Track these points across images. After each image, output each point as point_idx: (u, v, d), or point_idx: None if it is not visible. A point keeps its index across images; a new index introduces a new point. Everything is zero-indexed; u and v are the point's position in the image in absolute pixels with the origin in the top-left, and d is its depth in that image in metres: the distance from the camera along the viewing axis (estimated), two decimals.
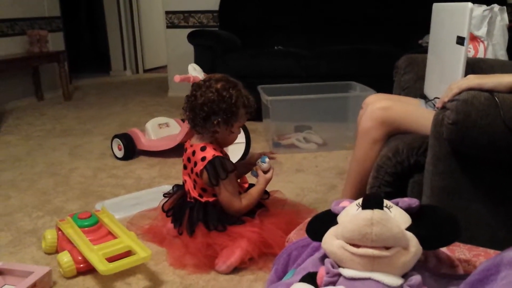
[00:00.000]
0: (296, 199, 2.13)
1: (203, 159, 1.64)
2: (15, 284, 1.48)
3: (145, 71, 6.73)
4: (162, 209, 1.80)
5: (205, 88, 1.65)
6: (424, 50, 1.92)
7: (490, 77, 1.18)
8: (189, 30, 3.88)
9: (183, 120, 2.87)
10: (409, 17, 3.91)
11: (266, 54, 3.68)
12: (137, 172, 2.60)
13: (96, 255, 1.50)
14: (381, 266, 0.77)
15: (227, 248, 1.58)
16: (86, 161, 2.80)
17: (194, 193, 1.71)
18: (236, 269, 1.58)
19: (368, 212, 0.76)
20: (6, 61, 4.03)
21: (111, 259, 1.50)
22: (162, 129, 2.89)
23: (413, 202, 0.85)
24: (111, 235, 1.67)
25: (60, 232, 1.71)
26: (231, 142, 1.79)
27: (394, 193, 1.45)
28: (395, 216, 0.80)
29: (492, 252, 0.96)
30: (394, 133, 1.56)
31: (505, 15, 2.23)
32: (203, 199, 1.70)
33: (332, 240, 0.81)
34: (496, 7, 2.21)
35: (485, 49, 2.26)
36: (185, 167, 1.75)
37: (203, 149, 1.67)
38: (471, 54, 2.27)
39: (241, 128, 2.61)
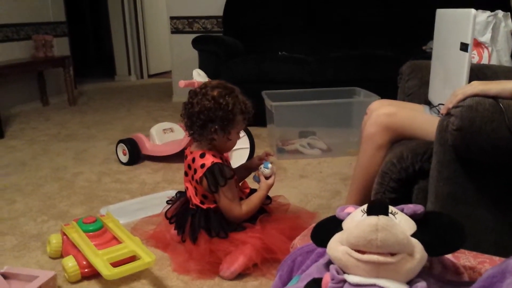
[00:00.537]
0: (300, 205, 2.13)
1: (203, 166, 1.64)
2: None
3: (150, 76, 6.76)
4: (165, 216, 1.80)
5: (201, 96, 1.64)
6: (428, 56, 1.93)
7: (495, 83, 1.18)
8: (193, 36, 3.90)
9: None
10: (413, 23, 3.91)
11: (270, 59, 3.69)
12: (141, 177, 2.61)
13: (100, 259, 1.50)
14: (386, 272, 0.77)
15: (230, 254, 1.59)
16: (91, 165, 2.81)
17: (196, 200, 1.72)
18: (240, 275, 1.58)
19: (373, 218, 0.76)
20: (11, 66, 4.05)
21: (115, 264, 1.50)
22: (166, 134, 2.90)
23: (418, 208, 0.85)
24: (115, 240, 1.68)
25: (65, 236, 1.71)
26: (229, 148, 1.79)
27: (399, 199, 1.45)
28: (400, 222, 0.80)
29: (497, 259, 0.96)
30: (398, 139, 1.56)
31: (509, 21, 2.23)
32: (205, 206, 1.70)
33: (337, 246, 0.81)
34: (500, 13, 2.21)
35: (489, 55, 2.26)
36: (186, 174, 1.75)
37: (202, 156, 1.67)
38: (475, 60, 2.27)
39: (245, 134, 2.64)
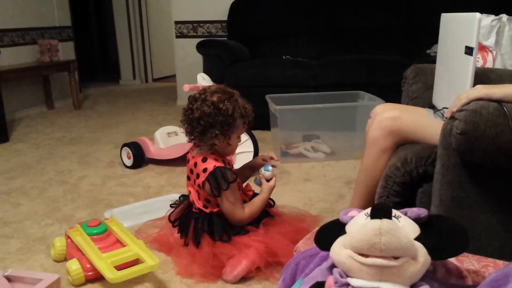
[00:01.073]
0: (304, 208, 2.12)
1: (205, 170, 1.65)
2: None
3: (154, 80, 6.78)
4: (168, 220, 1.80)
5: (200, 101, 1.64)
6: (432, 60, 1.92)
7: (499, 87, 1.18)
8: (197, 40, 3.91)
9: None
10: (417, 26, 3.91)
11: (275, 63, 3.70)
12: (145, 180, 2.61)
13: (104, 263, 1.50)
14: (390, 276, 0.77)
15: (234, 258, 1.59)
16: (95, 169, 2.82)
17: (199, 204, 1.72)
18: (243, 279, 1.58)
19: (376, 222, 0.76)
20: (17, 70, 4.08)
21: (119, 267, 1.50)
22: (170, 138, 2.91)
23: (422, 212, 0.85)
24: (119, 243, 1.68)
25: (69, 239, 1.72)
26: (230, 152, 1.79)
27: (403, 203, 1.45)
28: (403, 226, 0.80)
29: (501, 263, 0.95)
30: (402, 142, 1.56)
31: None
32: (208, 210, 1.70)
33: (340, 250, 0.81)
34: (504, 17, 2.21)
35: (494, 59, 2.26)
36: (188, 178, 1.76)
37: (204, 160, 1.67)
38: (479, 64, 2.26)
39: (249, 137, 2.64)
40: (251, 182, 1.89)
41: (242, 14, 4.28)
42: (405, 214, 0.85)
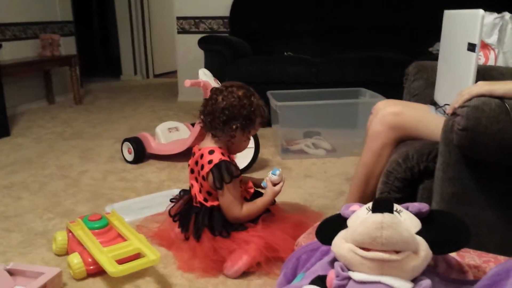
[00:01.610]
0: (305, 204, 2.13)
1: (210, 162, 1.66)
2: (26, 285, 1.49)
3: (155, 76, 6.78)
4: (169, 214, 1.81)
5: (227, 93, 1.68)
6: (434, 57, 1.92)
7: (501, 84, 1.18)
8: (199, 36, 3.91)
9: (192, 125, 2.89)
10: (419, 24, 3.91)
11: (276, 60, 3.70)
12: (146, 175, 2.62)
13: (106, 257, 1.51)
14: (391, 270, 0.77)
15: (234, 253, 1.59)
16: (96, 164, 2.83)
17: (200, 197, 1.73)
18: (244, 274, 1.58)
19: (378, 216, 0.76)
20: (18, 65, 4.08)
21: (120, 261, 1.50)
22: (171, 133, 2.91)
23: (423, 207, 0.85)
24: (120, 237, 1.68)
25: (70, 233, 1.72)
26: (242, 149, 1.81)
27: (404, 199, 1.45)
28: (405, 220, 0.81)
29: (502, 258, 0.96)
30: (404, 138, 1.56)
31: None
32: (208, 204, 1.71)
33: (341, 244, 0.82)
34: (507, 15, 2.21)
35: (496, 57, 2.26)
36: (192, 171, 1.76)
37: (211, 152, 1.68)
38: (481, 61, 2.26)
39: None
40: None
41: (244, 10, 4.28)
42: (407, 208, 0.85)
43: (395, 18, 4.00)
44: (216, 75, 2.69)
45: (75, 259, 1.57)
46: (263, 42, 4.13)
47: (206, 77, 2.56)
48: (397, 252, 0.77)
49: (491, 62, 2.27)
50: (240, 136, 1.71)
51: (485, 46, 2.23)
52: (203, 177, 1.68)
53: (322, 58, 3.67)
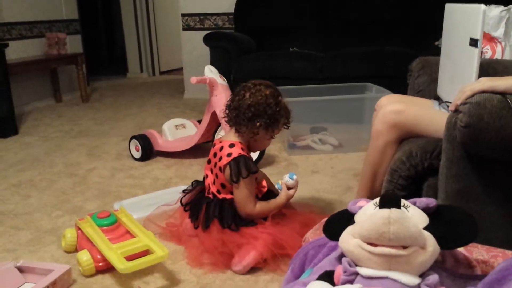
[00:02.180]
0: (312, 200, 2.13)
1: (229, 155, 1.68)
2: (36, 281, 1.50)
3: (161, 73, 6.79)
4: (180, 203, 1.83)
5: (254, 91, 1.70)
6: (440, 51, 1.90)
7: (503, 79, 1.18)
8: (204, 32, 3.91)
9: (199, 122, 2.90)
10: (425, 18, 3.88)
11: (282, 55, 3.69)
12: (154, 172, 2.63)
13: (114, 254, 1.52)
14: (399, 265, 0.77)
15: (242, 248, 1.60)
16: (104, 161, 2.84)
17: (213, 188, 1.75)
18: (252, 270, 1.59)
19: (385, 211, 0.76)
20: (25, 63, 4.10)
21: (129, 258, 1.52)
22: (178, 130, 2.92)
23: (430, 202, 0.85)
24: (129, 234, 1.70)
25: (79, 231, 1.74)
26: (264, 147, 1.86)
27: (409, 197, 1.44)
28: (412, 215, 0.81)
29: (510, 253, 0.96)
30: (407, 136, 1.56)
31: None
32: (221, 196, 1.73)
33: (349, 239, 0.82)
34: None
35: (503, 50, 2.24)
36: (209, 162, 1.79)
37: (231, 146, 1.70)
38: (488, 55, 2.25)
39: None
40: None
41: (249, 6, 4.27)
42: (414, 204, 0.85)
43: (400, 12, 3.97)
44: (222, 71, 2.69)
45: (84, 256, 1.58)
46: (268, 38, 4.12)
47: (212, 74, 2.57)
48: (404, 247, 0.77)
49: (498, 56, 2.25)
50: (263, 134, 1.73)
51: (491, 39, 2.21)
52: (220, 168, 1.70)
53: (327, 53, 3.66)
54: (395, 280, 0.77)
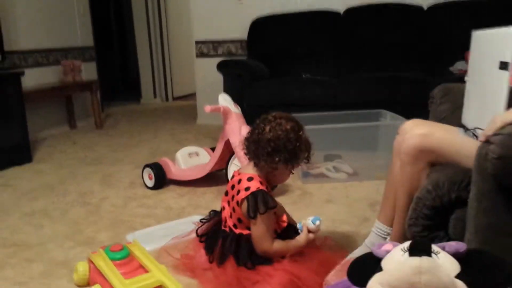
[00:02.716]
0: (327, 231, 2.08)
1: (247, 189, 1.63)
2: None
3: (175, 99, 6.83)
4: (196, 234, 1.79)
5: (275, 124, 1.65)
6: (455, 77, 1.88)
7: None
8: (218, 59, 3.93)
9: (212, 149, 2.88)
10: (439, 44, 3.87)
11: (294, 82, 3.68)
12: (167, 201, 2.60)
13: None
14: None
15: (258, 285, 1.55)
16: (117, 190, 2.82)
17: (230, 222, 1.70)
18: None
19: (416, 260, 0.72)
20: (40, 91, 4.14)
21: None
22: (192, 158, 2.90)
23: (461, 246, 0.81)
24: (142, 268, 1.66)
25: (92, 264, 1.70)
26: (282, 181, 1.79)
27: (434, 227, 1.40)
28: (443, 263, 0.77)
29: None
30: (435, 161, 1.51)
31: None
32: (237, 230, 1.68)
33: None
34: None
35: None
36: (226, 194, 1.75)
37: (250, 179, 1.66)
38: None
39: None
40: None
41: (261, 33, 4.30)
42: (443, 248, 0.81)
43: (414, 37, 3.96)
44: (235, 98, 2.68)
45: None
46: (280, 64, 4.13)
47: (226, 102, 2.56)
48: None
49: None
50: (283, 169, 1.67)
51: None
52: (237, 202, 1.65)
53: (340, 79, 3.65)
54: None
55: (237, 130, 2.51)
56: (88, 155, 3.73)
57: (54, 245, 2.08)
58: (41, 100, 4.27)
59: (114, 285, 1.53)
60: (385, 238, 1.68)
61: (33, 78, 4.31)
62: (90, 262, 1.71)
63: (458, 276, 0.76)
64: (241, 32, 4.45)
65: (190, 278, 1.72)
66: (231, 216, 1.70)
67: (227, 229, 1.71)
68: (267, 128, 1.65)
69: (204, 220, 1.86)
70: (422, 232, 1.40)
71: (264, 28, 4.29)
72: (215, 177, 2.84)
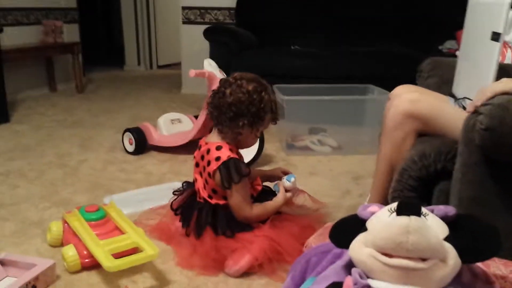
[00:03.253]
0: (310, 203, 2.05)
1: (218, 159, 1.56)
2: (17, 276, 1.43)
3: (159, 67, 6.69)
4: (170, 207, 1.74)
5: (235, 87, 1.57)
6: (444, 56, 1.85)
7: None
8: (204, 27, 3.82)
9: (196, 117, 2.81)
10: (430, 22, 3.82)
11: (283, 53, 3.62)
12: (147, 167, 2.54)
13: (102, 250, 1.44)
14: (416, 279, 0.70)
15: (237, 251, 1.52)
16: (96, 153, 2.76)
17: (204, 194, 1.64)
18: (245, 274, 1.51)
19: (404, 219, 0.69)
20: (20, 50, 4.00)
21: (117, 255, 1.44)
22: (174, 125, 2.84)
23: (449, 210, 0.78)
24: (118, 230, 1.61)
25: (66, 224, 1.65)
26: (250, 145, 1.72)
27: (418, 199, 1.38)
28: (432, 225, 0.73)
29: None
30: (423, 129, 1.47)
31: None
32: (213, 201, 1.63)
33: (361, 248, 0.74)
34: None
35: None
36: (197, 165, 1.68)
37: (218, 148, 1.59)
38: None
39: None
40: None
41: (251, 1, 4.19)
42: (432, 211, 0.78)
43: (405, 15, 3.91)
44: (222, 66, 2.61)
45: (70, 251, 1.50)
46: (269, 34, 4.04)
47: (211, 67, 2.49)
48: (423, 259, 0.69)
49: (507, 61, 2.18)
50: (248, 133, 1.61)
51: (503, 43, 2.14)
52: (208, 174, 1.59)
53: (330, 52, 3.58)
54: None
55: None
56: (68, 118, 3.63)
57: (28, 205, 2.02)
58: (21, 59, 4.13)
59: (88, 246, 1.48)
60: None
61: (12, 37, 4.15)
62: (64, 222, 1.66)
63: (446, 239, 0.73)
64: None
65: (165, 245, 1.68)
66: (204, 188, 1.64)
67: (202, 201, 1.65)
68: (228, 91, 1.57)
69: (177, 193, 1.79)
70: None
71: None
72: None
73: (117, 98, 4.47)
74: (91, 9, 6.96)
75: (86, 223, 1.58)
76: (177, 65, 5.77)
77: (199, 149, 1.68)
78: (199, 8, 4.57)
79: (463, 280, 0.81)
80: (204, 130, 2.66)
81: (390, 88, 2.82)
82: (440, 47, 3.65)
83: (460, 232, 0.76)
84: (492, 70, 1.29)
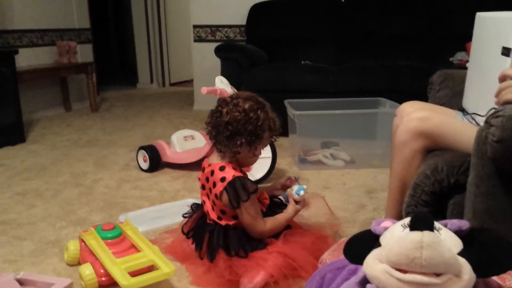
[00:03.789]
0: (323, 217, 2.05)
1: (223, 179, 1.56)
2: None
3: (172, 84, 6.77)
4: (182, 231, 1.73)
5: (232, 106, 1.57)
6: (455, 68, 1.85)
7: None
8: (215, 44, 3.87)
9: None
10: (440, 34, 3.83)
11: (293, 68, 3.64)
12: (161, 184, 2.57)
13: (118, 268, 1.45)
14: None
15: (251, 269, 1.51)
16: (111, 172, 2.79)
17: (213, 215, 1.64)
18: None
19: (417, 234, 0.69)
20: (34, 71, 4.08)
21: (133, 273, 1.45)
22: (187, 142, 2.87)
23: (463, 224, 0.78)
24: (134, 248, 1.63)
25: (83, 243, 1.67)
26: (251, 164, 1.72)
27: (432, 214, 1.37)
28: (445, 239, 0.74)
29: None
30: (432, 146, 1.48)
31: None
32: (223, 222, 1.62)
33: (375, 264, 0.75)
34: None
35: None
36: (203, 187, 1.68)
37: (222, 169, 1.59)
38: None
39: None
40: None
41: (261, 18, 4.24)
42: (445, 226, 0.78)
43: (415, 26, 3.91)
44: (233, 83, 2.64)
45: (87, 270, 1.52)
46: (279, 50, 4.08)
47: (222, 84, 2.51)
48: (437, 275, 0.70)
49: None
50: (246, 152, 1.60)
51: None
52: (215, 195, 1.59)
53: (340, 67, 3.61)
54: None
55: None
56: (82, 137, 3.68)
57: (45, 225, 2.05)
58: (36, 80, 4.21)
59: (105, 264, 1.50)
60: None
61: (27, 58, 4.25)
62: (81, 240, 1.68)
63: (460, 254, 0.73)
64: (240, 17, 4.40)
65: (180, 264, 1.67)
66: (213, 209, 1.64)
67: (212, 222, 1.65)
68: (224, 110, 1.57)
69: (186, 215, 1.79)
70: None
71: (264, 13, 4.24)
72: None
73: (130, 116, 4.52)
74: (104, 29, 7.09)
75: (103, 242, 1.60)
76: (189, 82, 5.84)
77: (203, 171, 1.68)
78: (210, 26, 4.63)
79: None
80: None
81: (400, 101, 2.85)
82: (451, 59, 3.64)
83: (474, 246, 0.76)
84: None
